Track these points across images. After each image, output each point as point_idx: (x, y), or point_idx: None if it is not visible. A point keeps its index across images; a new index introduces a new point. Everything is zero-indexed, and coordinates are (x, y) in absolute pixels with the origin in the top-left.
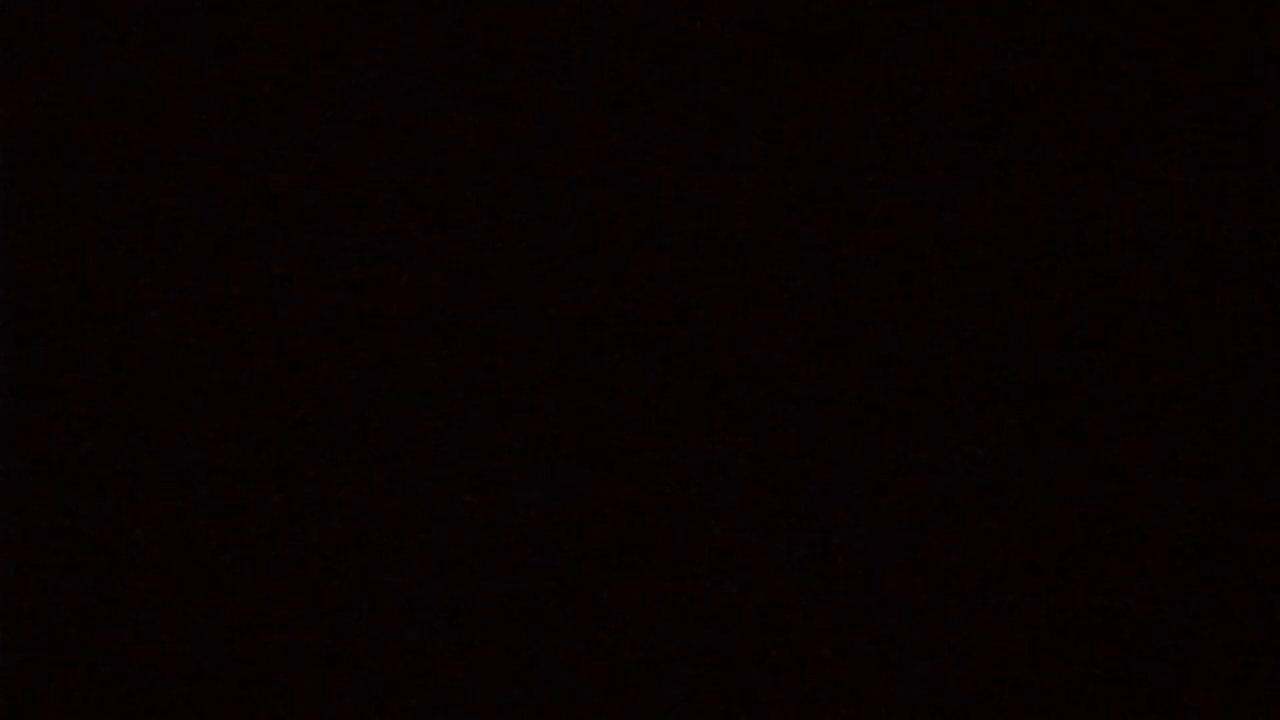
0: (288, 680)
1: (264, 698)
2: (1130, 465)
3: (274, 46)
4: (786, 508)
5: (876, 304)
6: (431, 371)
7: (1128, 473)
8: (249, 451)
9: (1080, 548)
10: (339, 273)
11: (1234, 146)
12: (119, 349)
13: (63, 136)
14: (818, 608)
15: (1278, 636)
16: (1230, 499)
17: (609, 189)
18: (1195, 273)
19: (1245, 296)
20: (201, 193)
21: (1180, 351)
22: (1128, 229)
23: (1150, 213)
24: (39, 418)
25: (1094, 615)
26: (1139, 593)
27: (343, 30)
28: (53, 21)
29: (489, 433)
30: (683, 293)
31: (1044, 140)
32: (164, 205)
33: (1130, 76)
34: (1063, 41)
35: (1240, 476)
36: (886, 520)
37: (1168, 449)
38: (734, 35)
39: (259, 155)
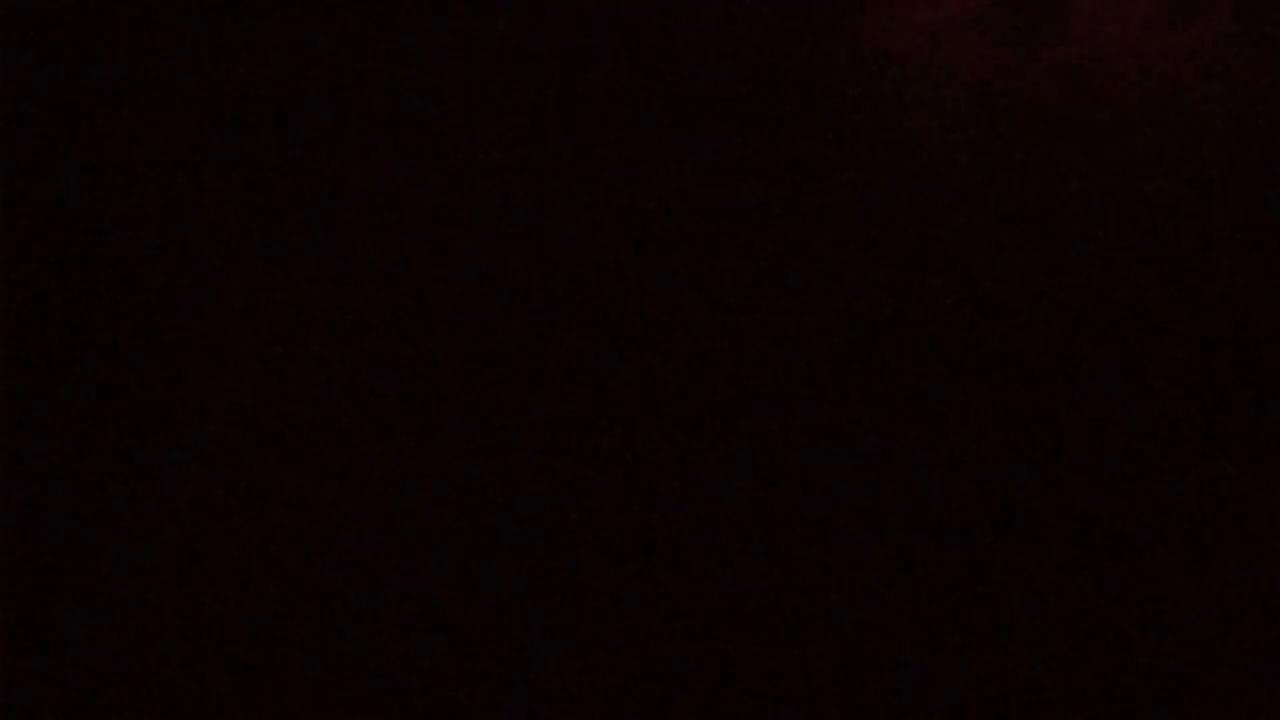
0: (287, 680)
1: (264, 698)
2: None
3: (275, 47)
4: (787, 506)
5: (878, 306)
6: (432, 371)
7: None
8: (248, 451)
9: (1079, 549)
10: (339, 272)
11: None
12: (119, 348)
13: (63, 136)
14: (818, 608)
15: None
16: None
17: (613, 191)
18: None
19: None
20: (203, 192)
21: (1181, 351)
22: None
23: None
24: (39, 417)
25: (1094, 617)
26: (1139, 594)
27: (344, 31)
28: (53, 21)
29: (488, 433)
30: (688, 294)
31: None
32: (165, 205)
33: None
34: None
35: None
36: (886, 521)
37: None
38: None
39: (260, 156)
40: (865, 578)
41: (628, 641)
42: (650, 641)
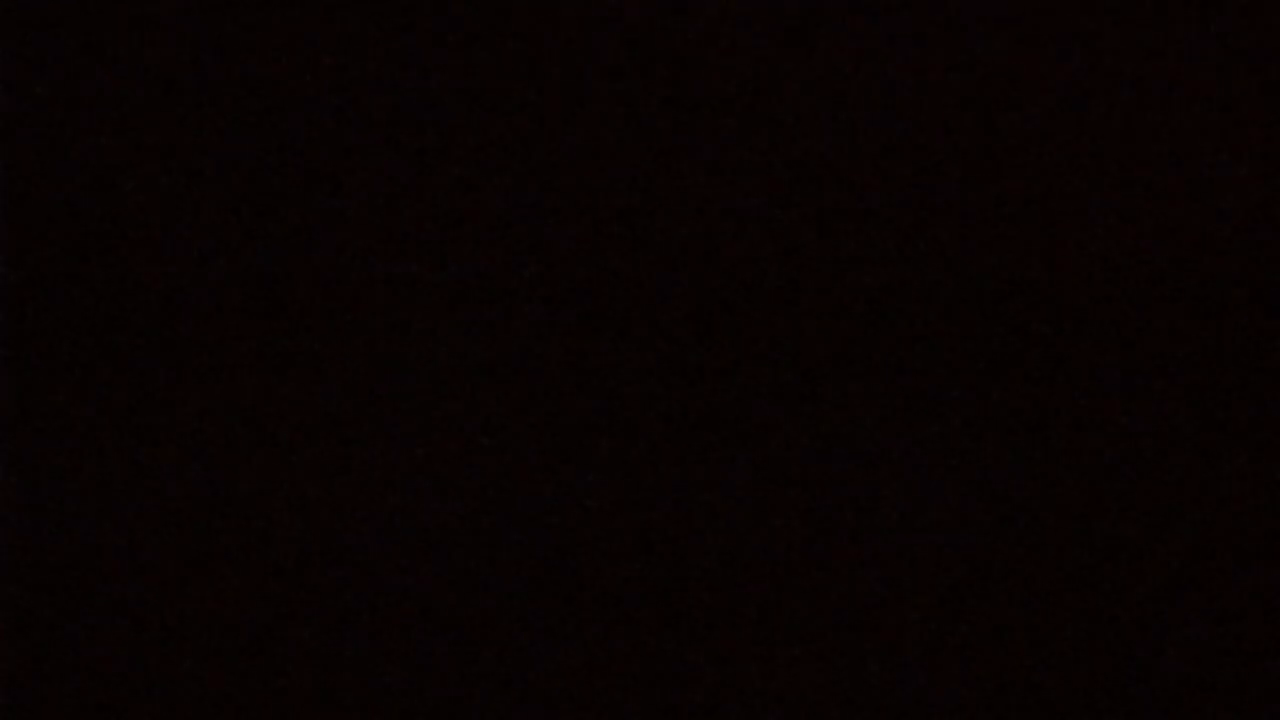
0: (287, 681)
1: (263, 698)
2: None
3: (275, 46)
4: (788, 508)
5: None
6: (433, 370)
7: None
8: (248, 451)
9: (1079, 548)
10: (340, 271)
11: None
12: (119, 348)
13: (63, 136)
14: (817, 608)
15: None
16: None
17: (613, 189)
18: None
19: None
20: (203, 192)
21: (1182, 350)
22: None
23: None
24: (39, 418)
25: (1094, 616)
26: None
27: (344, 31)
28: (53, 21)
29: (488, 432)
30: (687, 291)
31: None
32: (164, 205)
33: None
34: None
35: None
36: (887, 520)
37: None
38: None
39: (260, 155)
40: (867, 577)
41: (628, 641)
42: (650, 641)
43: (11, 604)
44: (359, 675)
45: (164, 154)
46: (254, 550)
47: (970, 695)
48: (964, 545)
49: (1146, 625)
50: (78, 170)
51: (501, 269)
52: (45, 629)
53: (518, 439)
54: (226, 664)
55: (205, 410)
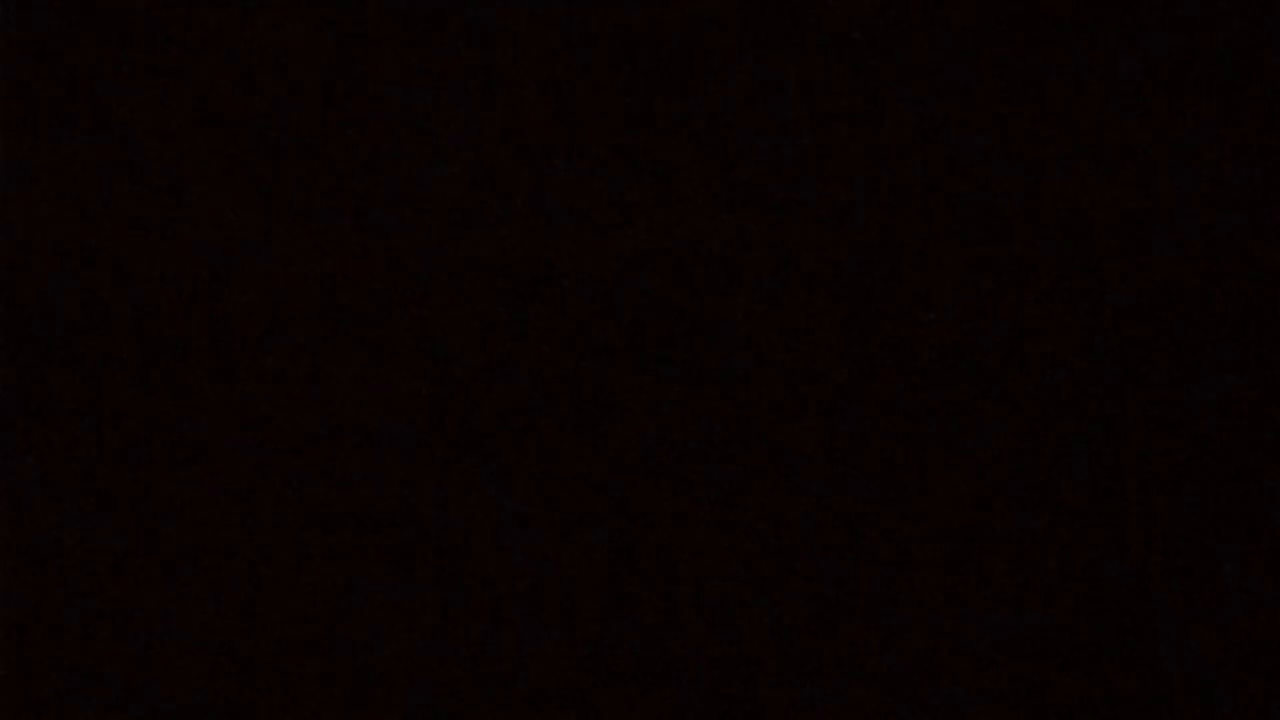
0: (286, 680)
1: (262, 698)
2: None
3: (275, 45)
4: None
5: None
6: (434, 368)
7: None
8: (248, 452)
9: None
10: (342, 271)
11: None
12: (119, 349)
13: (62, 132)
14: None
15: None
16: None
17: (611, 187)
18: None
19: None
20: (203, 192)
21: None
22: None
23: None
24: (39, 418)
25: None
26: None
27: (344, 30)
28: (52, 20)
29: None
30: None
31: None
32: (164, 204)
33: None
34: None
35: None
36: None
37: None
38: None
39: (260, 154)
40: (870, 577)
41: (627, 640)
42: (650, 641)
43: (11, 604)
44: (356, 675)
45: (164, 150)
46: (254, 550)
47: (970, 695)
48: (962, 546)
49: (1146, 625)
50: (78, 169)
51: (503, 269)
52: (45, 629)
53: (521, 438)
54: (224, 664)
55: (205, 409)
